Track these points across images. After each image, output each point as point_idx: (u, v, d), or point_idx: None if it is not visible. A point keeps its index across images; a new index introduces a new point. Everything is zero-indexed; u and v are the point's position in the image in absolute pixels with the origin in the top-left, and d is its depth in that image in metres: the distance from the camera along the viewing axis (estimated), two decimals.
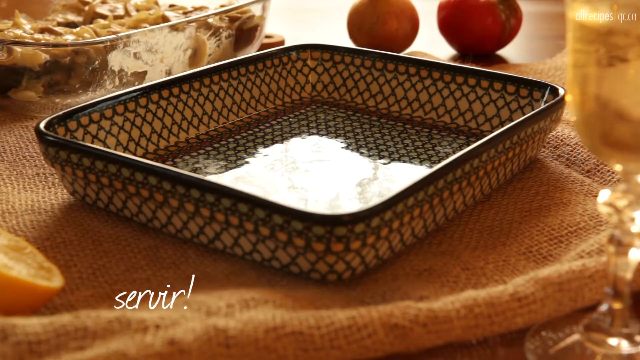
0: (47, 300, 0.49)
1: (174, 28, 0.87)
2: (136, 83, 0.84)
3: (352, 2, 1.04)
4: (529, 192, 0.65)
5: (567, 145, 0.72)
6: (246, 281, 0.53)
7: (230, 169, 0.67)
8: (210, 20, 0.91)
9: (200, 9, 1.00)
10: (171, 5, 1.03)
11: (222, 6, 1.00)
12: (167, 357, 0.43)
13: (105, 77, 0.82)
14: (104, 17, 0.95)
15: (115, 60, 0.82)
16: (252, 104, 0.80)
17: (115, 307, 0.50)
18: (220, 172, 0.67)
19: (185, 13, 0.99)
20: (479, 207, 0.63)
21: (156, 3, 1.03)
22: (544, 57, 1.06)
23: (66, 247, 0.57)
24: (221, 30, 0.93)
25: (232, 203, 0.52)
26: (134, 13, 0.98)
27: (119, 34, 0.82)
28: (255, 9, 0.98)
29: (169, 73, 0.88)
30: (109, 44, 0.81)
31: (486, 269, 0.54)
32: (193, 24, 0.89)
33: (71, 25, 0.95)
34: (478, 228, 0.60)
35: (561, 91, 0.69)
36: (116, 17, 0.95)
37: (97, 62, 0.81)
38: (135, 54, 0.84)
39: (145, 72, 0.85)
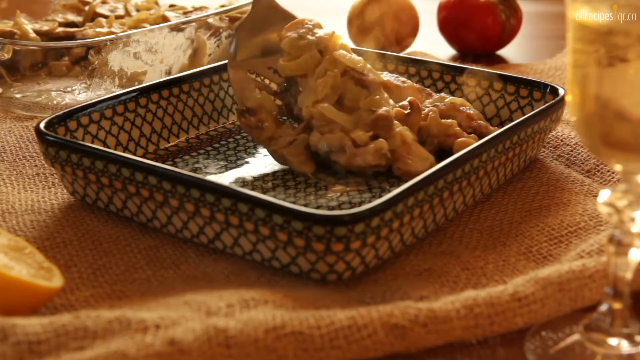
0: (47, 300, 0.49)
1: (174, 28, 0.87)
2: (136, 83, 0.85)
3: (352, 2, 1.04)
4: (529, 192, 0.65)
5: (567, 145, 0.72)
6: (246, 281, 0.53)
7: (230, 169, 0.67)
8: (210, 20, 0.91)
9: (200, 9, 1.00)
10: (171, 5, 1.03)
11: (222, 6, 1.00)
12: (167, 357, 0.43)
13: (105, 77, 0.82)
14: (105, 17, 0.95)
15: (115, 60, 0.82)
16: None
17: (115, 307, 0.50)
18: (220, 172, 0.67)
19: (185, 13, 0.99)
20: (479, 207, 0.63)
21: (156, 3, 1.03)
22: (544, 57, 1.06)
23: (66, 247, 0.57)
24: (221, 30, 0.93)
25: (232, 203, 0.52)
26: (134, 13, 0.98)
27: (119, 34, 0.82)
28: None
29: (169, 73, 0.88)
30: (108, 44, 0.81)
31: (486, 269, 0.54)
32: (193, 24, 0.89)
33: (71, 25, 0.95)
34: (478, 228, 0.60)
35: (561, 91, 0.69)
36: (116, 17, 0.95)
37: (96, 62, 0.81)
38: (135, 54, 0.84)
39: (145, 72, 0.85)
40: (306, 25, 0.69)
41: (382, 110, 0.64)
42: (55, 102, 0.82)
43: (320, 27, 0.70)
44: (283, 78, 0.69)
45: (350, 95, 0.66)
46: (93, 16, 0.96)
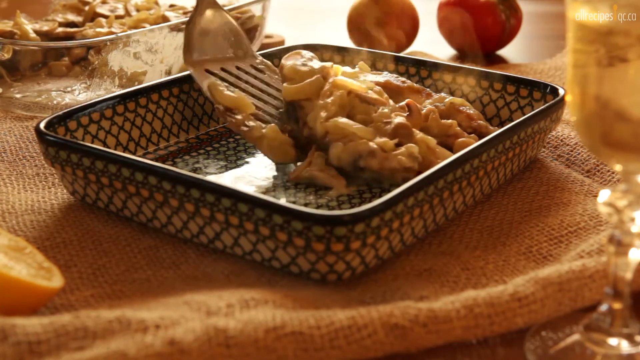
0: (47, 300, 0.49)
1: (174, 28, 0.87)
2: (136, 83, 0.85)
3: (352, 2, 1.05)
4: (529, 192, 0.65)
5: (567, 145, 0.72)
6: (246, 281, 0.53)
7: (230, 169, 0.67)
8: None
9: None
10: (171, 5, 1.03)
11: (231, 9, 1.00)
12: (167, 357, 0.43)
13: (105, 77, 0.82)
14: (105, 17, 0.95)
15: (115, 60, 0.82)
16: None
17: (115, 307, 0.50)
18: (220, 172, 0.67)
19: (185, 13, 0.99)
20: (479, 207, 0.63)
21: (156, 3, 1.03)
22: (544, 57, 1.06)
23: (66, 247, 0.57)
24: None
25: (232, 203, 0.52)
26: (134, 13, 0.98)
27: (119, 34, 0.82)
28: (255, 9, 0.98)
29: (169, 73, 0.88)
30: (108, 44, 0.81)
31: (486, 269, 0.54)
32: None
33: (71, 25, 0.95)
34: (478, 228, 0.60)
35: (561, 91, 0.69)
36: (116, 17, 0.95)
37: (96, 62, 0.81)
38: (135, 54, 0.84)
39: (145, 72, 0.85)
40: (305, 56, 0.70)
41: (398, 119, 0.64)
42: (55, 102, 0.82)
43: (316, 58, 0.71)
44: (284, 104, 0.70)
45: (358, 111, 0.66)
46: (93, 16, 0.96)
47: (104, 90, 0.83)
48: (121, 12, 0.98)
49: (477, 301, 0.48)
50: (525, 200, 0.64)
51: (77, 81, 0.83)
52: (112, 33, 0.87)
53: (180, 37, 0.88)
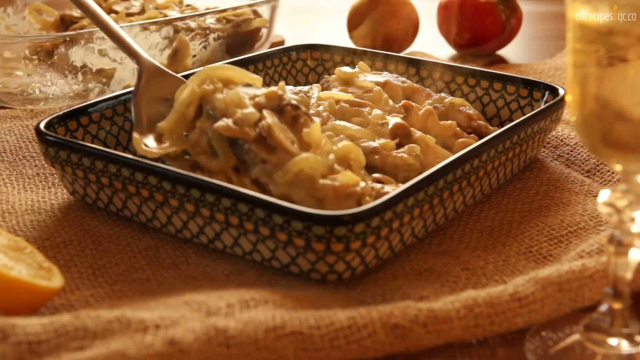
0: (47, 300, 0.49)
1: (145, 27, 0.87)
2: (103, 80, 0.85)
3: (352, 2, 1.05)
4: (529, 192, 0.65)
5: (567, 145, 0.72)
6: (246, 281, 0.53)
7: None
8: (192, 23, 0.91)
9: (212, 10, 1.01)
10: (187, 5, 1.04)
11: (222, 10, 1.00)
12: (167, 357, 0.43)
13: (67, 72, 0.83)
14: (116, 13, 0.96)
15: (77, 55, 0.83)
16: None
17: (115, 307, 0.50)
18: None
19: (187, 13, 0.99)
20: (479, 207, 0.63)
21: (180, 3, 1.04)
22: (544, 57, 1.06)
23: (66, 247, 0.57)
24: (208, 32, 0.93)
25: (232, 203, 0.52)
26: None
27: (79, 31, 0.83)
28: (261, 12, 0.98)
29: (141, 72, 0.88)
30: (67, 39, 0.82)
31: (486, 269, 0.54)
32: (170, 24, 0.89)
33: (71, 21, 0.96)
34: (478, 228, 0.60)
35: (561, 91, 0.69)
36: (128, 15, 0.96)
37: (55, 57, 0.82)
38: (100, 50, 0.84)
39: (114, 69, 0.85)
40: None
41: (395, 119, 0.64)
42: (25, 93, 0.83)
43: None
44: (223, 142, 0.68)
45: (351, 115, 0.66)
46: (108, 12, 0.97)
47: (67, 85, 0.83)
48: (136, 9, 0.99)
49: (477, 301, 0.48)
50: (525, 200, 0.64)
51: (43, 74, 0.84)
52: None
53: (155, 36, 0.88)
